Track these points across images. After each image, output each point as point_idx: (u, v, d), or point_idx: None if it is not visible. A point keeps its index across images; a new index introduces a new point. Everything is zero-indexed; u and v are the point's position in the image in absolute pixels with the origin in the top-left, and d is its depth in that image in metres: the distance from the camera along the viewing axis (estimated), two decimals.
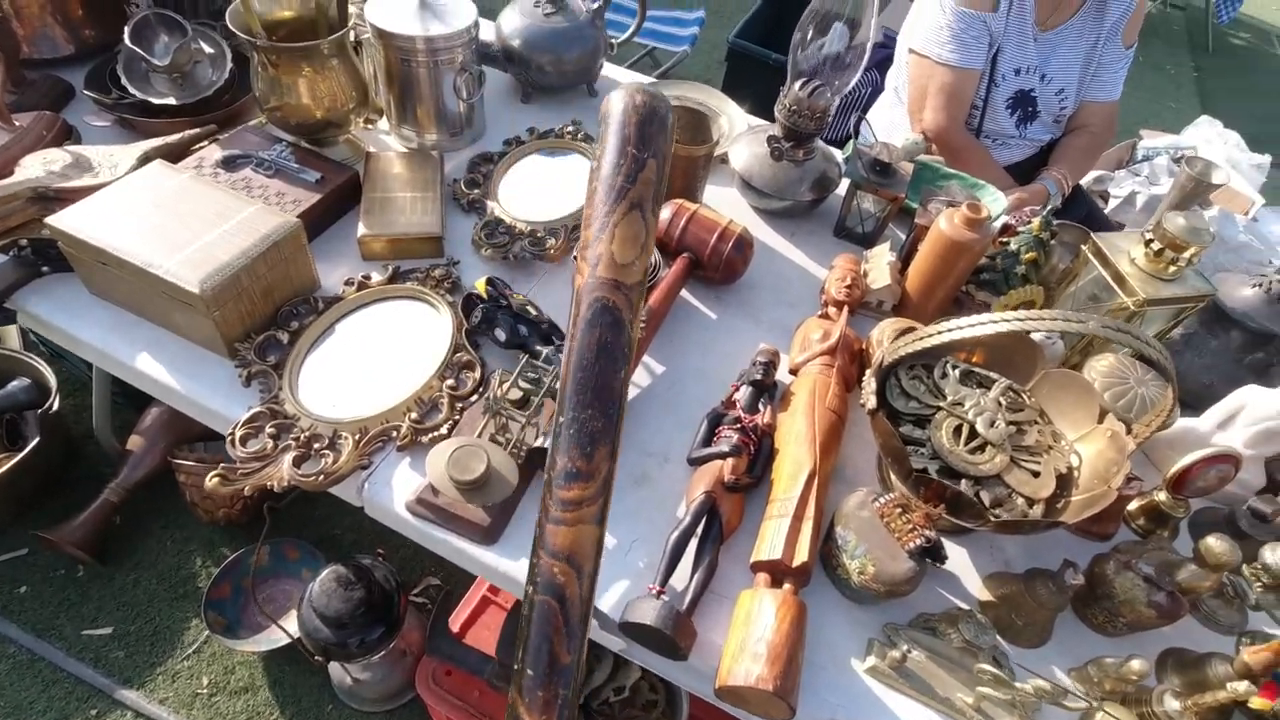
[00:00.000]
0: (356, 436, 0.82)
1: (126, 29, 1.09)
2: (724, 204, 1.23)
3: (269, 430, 0.80)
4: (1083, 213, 1.81)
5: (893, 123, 1.74)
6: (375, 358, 0.91)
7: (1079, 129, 1.68)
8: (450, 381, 0.89)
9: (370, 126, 1.23)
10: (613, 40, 1.38)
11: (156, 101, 1.10)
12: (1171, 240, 0.93)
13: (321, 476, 0.77)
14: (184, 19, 1.13)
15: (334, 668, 1.53)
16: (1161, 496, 0.92)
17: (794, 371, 0.98)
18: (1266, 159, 2.72)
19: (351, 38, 1.17)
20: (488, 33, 1.31)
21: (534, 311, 0.93)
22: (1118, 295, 0.98)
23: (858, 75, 1.13)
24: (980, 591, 0.85)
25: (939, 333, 0.76)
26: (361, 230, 1.01)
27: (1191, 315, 1.05)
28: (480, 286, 0.91)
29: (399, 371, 0.89)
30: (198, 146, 1.05)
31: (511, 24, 1.28)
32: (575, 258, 0.61)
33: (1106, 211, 2.36)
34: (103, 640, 1.56)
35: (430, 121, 1.18)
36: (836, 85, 1.14)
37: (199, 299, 0.80)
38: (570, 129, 1.25)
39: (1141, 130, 3.02)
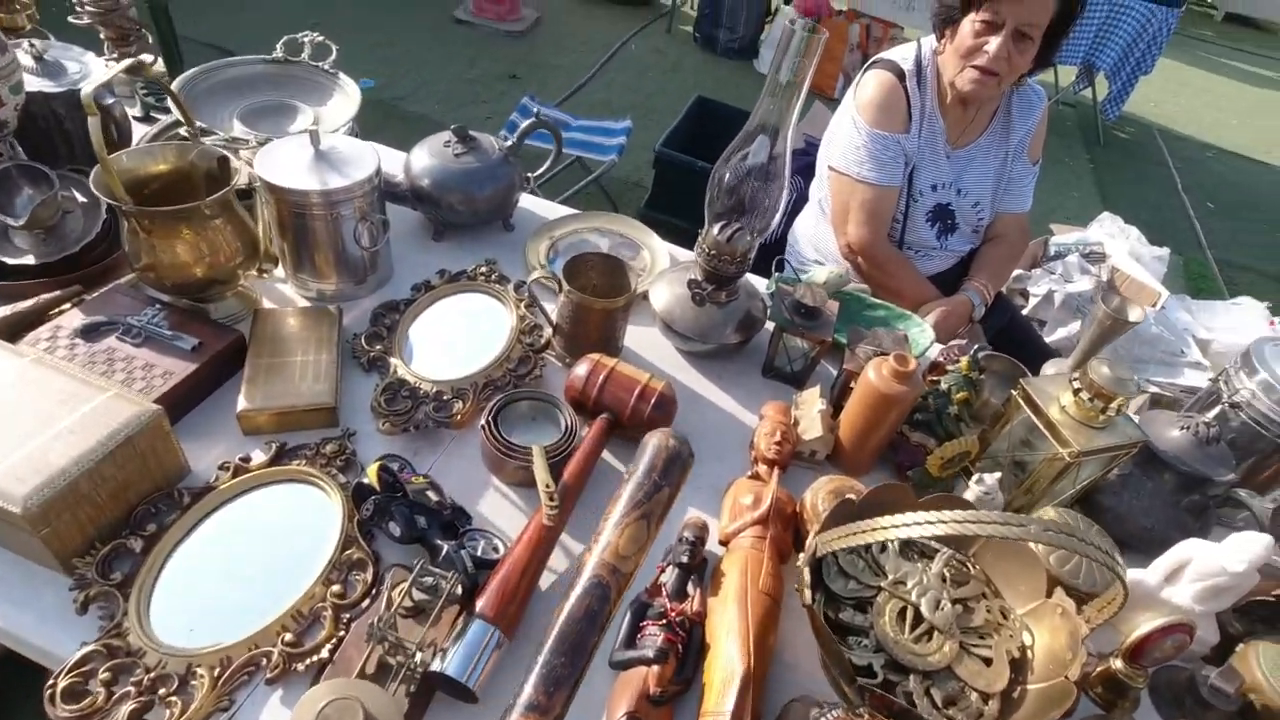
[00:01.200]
0: (215, 671, 0.69)
1: None
2: (647, 346, 1.17)
3: (102, 675, 0.66)
4: (1005, 318, 1.84)
5: (819, 235, 1.75)
6: (249, 561, 0.79)
7: (996, 238, 1.72)
8: (336, 587, 0.77)
9: (265, 275, 1.14)
10: (529, 176, 1.35)
11: (11, 262, 0.99)
12: (1099, 390, 0.91)
13: None
14: (51, 169, 1.03)
15: None
16: (1118, 665, 0.86)
17: (724, 542, 0.90)
18: (1166, 251, 2.88)
19: (243, 182, 1.10)
20: (395, 165, 1.26)
21: (435, 498, 0.83)
22: (1051, 444, 0.95)
23: (779, 210, 1.11)
24: None
25: (869, 530, 0.69)
26: (241, 404, 0.90)
27: (1126, 459, 1.03)
28: (372, 474, 0.81)
29: (275, 578, 0.78)
30: (56, 312, 0.94)
31: (420, 163, 1.23)
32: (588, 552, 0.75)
33: (1026, 310, 2.44)
34: None
35: (330, 269, 1.10)
36: (759, 225, 1.12)
37: (21, 519, 0.67)
38: (484, 269, 1.19)
39: (1052, 225, 3.18)
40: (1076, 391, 0.94)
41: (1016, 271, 2.49)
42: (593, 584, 0.73)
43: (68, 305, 0.96)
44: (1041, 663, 0.79)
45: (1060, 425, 0.94)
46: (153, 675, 0.68)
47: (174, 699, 0.66)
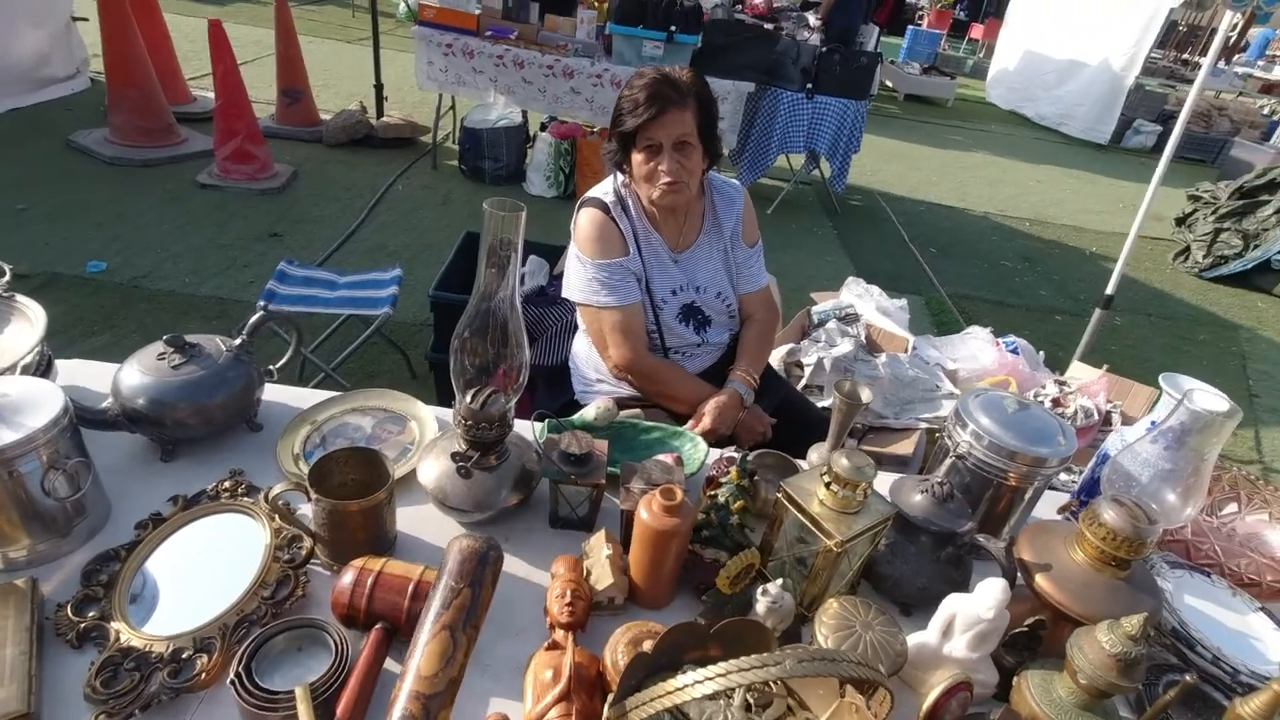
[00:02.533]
0: None
1: None
2: (427, 526, 1.11)
3: None
4: (780, 394, 1.98)
5: (593, 358, 1.80)
6: None
7: (748, 320, 1.87)
8: None
9: None
10: (270, 370, 1.26)
11: None
12: (844, 480, 0.99)
13: None
14: None
15: None
16: None
17: None
18: (904, 300, 3.32)
19: None
20: (93, 380, 1.11)
21: None
22: (819, 538, 1.01)
23: (525, 367, 1.11)
24: None
25: (658, 697, 0.68)
26: None
27: (886, 530, 1.12)
28: None
29: None
30: None
31: (131, 382, 1.10)
32: None
33: (804, 380, 2.66)
34: None
35: (19, 531, 0.93)
36: (519, 384, 1.11)
37: None
38: (228, 484, 1.08)
39: (812, 294, 3.56)
40: (828, 485, 1.01)
41: (789, 345, 2.73)
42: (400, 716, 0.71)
43: None
44: None
45: (822, 519, 1.01)
46: None
47: None
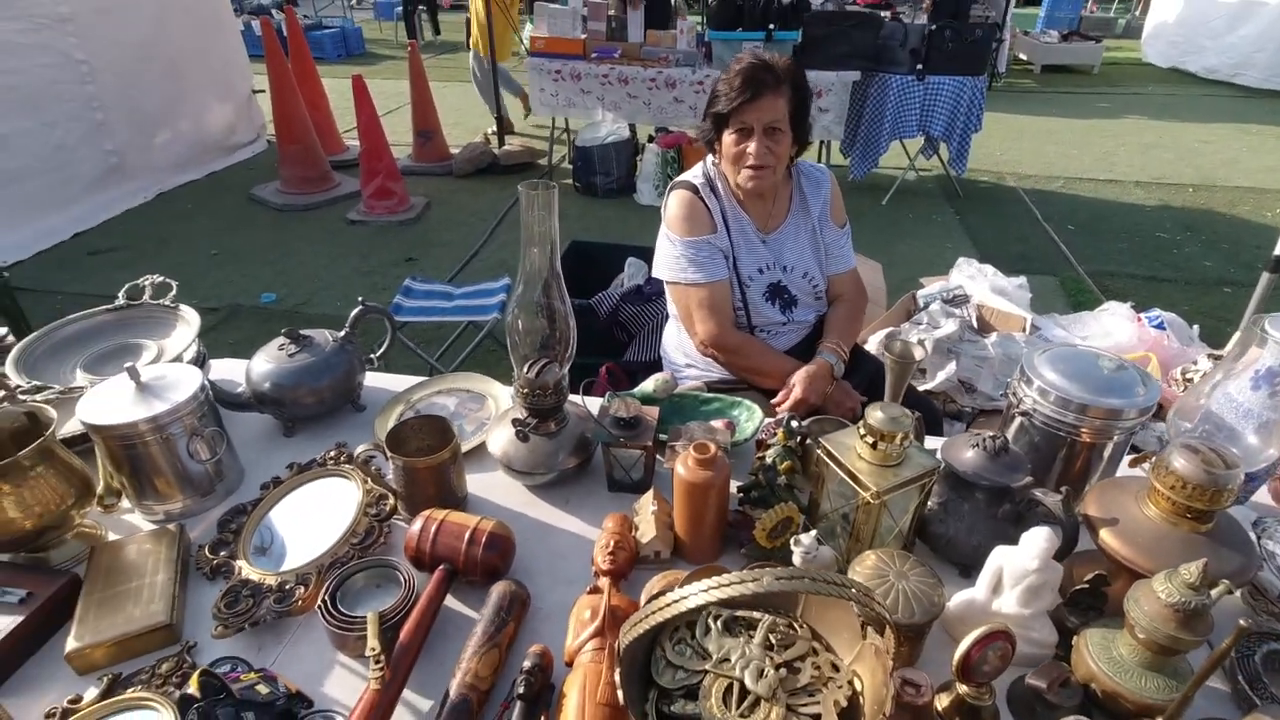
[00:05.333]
0: None
1: None
2: (495, 487, 1.23)
3: None
4: (872, 371, 1.94)
5: (681, 342, 1.87)
6: None
7: (836, 299, 1.86)
8: None
9: (110, 510, 1.18)
10: (370, 357, 1.44)
11: None
12: (880, 432, 0.99)
13: None
14: None
15: None
16: (963, 689, 0.88)
17: (570, 662, 0.92)
18: (1023, 279, 3.10)
19: (75, 429, 1.16)
20: (230, 372, 1.33)
21: (265, 690, 0.84)
22: (857, 491, 1.01)
23: (573, 339, 1.19)
24: None
25: (652, 614, 0.73)
26: (70, 645, 0.91)
27: (940, 484, 1.10)
28: (193, 684, 0.82)
29: None
30: None
31: (259, 370, 1.31)
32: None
33: None
34: None
35: (172, 489, 1.15)
36: (567, 354, 1.21)
37: None
38: (333, 454, 1.25)
39: (921, 279, 3.42)
40: (863, 437, 1.02)
41: (889, 329, 2.65)
42: (458, 700, 0.85)
43: None
44: (871, 704, 0.81)
45: (860, 472, 1.01)
46: None
47: None
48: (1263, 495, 1.24)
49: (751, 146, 1.56)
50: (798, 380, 1.61)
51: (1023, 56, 9.60)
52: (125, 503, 1.18)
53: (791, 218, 1.78)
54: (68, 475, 1.04)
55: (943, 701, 0.90)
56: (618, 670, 0.79)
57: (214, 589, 1.04)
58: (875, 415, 1.00)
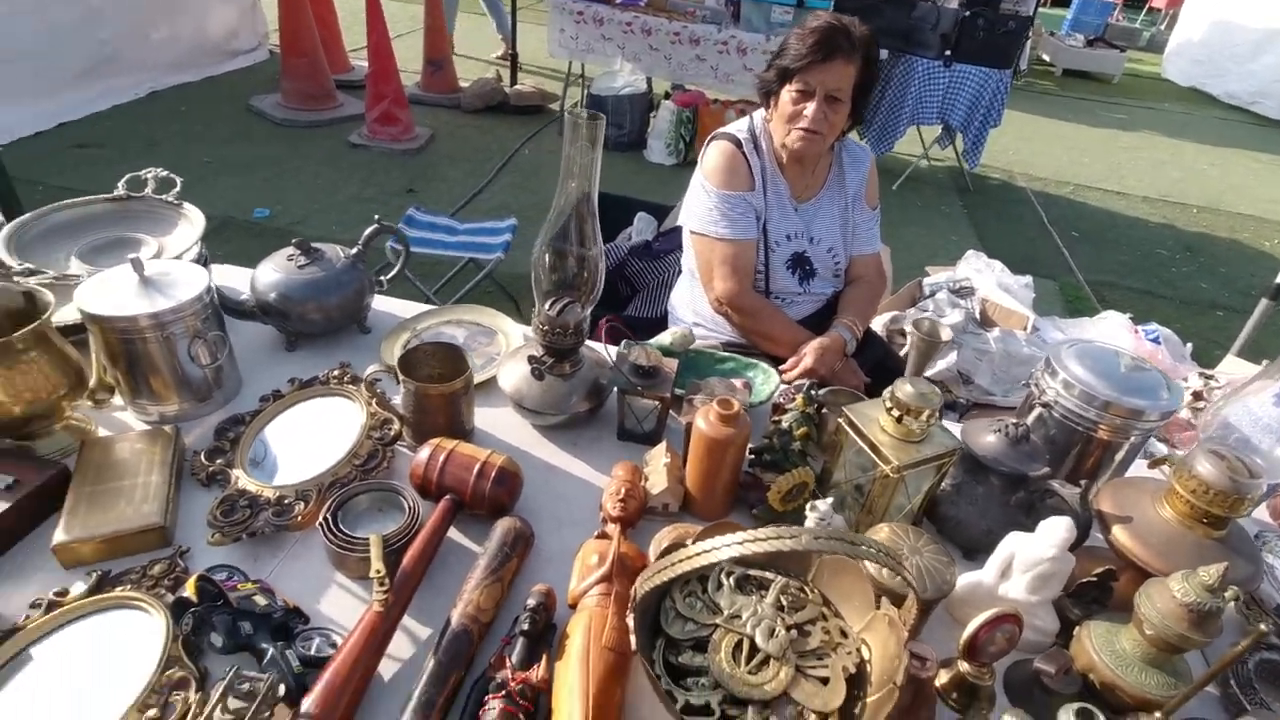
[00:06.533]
0: None
1: None
2: (503, 427, 1.20)
3: None
4: (880, 353, 1.94)
5: (693, 299, 1.84)
6: (61, 697, 0.75)
7: (856, 280, 1.84)
8: (153, 712, 0.74)
9: (102, 405, 1.13)
10: (380, 280, 1.39)
11: None
12: (906, 407, 0.98)
13: None
14: None
15: None
16: (966, 667, 0.88)
17: (574, 605, 0.90)
18: (1029, 278, 3.10)
19: (75, 314, 1.10)
20: (236, 280, 1.28)
21: (263, 601, 0.82)
22: (877, 464, 1.00)
23: (600, 282, 1.16)
24: None
25: (671, 565, 0.72)
26: (58, 537, 0.88)
27: (955, 466, 1.09)
28: (190, 587, 0.79)
29: (89, 711, 0.74)
30: None
31: (266, 279, 1.26)
32: None
33: (904, 350, 2.57)
34: None
35: (169, 391, 1.10)
36: (591, 296, 1.17)
37: None
38: (336, 373, 1.21)
39: (927, 267, 3.40)
40: (889, 410, 1.00)
41: (894, 313, 2.64)
42: (458, 630, 0.83)
43: None
44: (879, 674, 0.81)
45: (881, 445, 1.00)
46: None
47: None
48: (1260, 512, 1.25)
49: (809, 109, 1.51)
50: (810, 350, 1.59)
51: (1045, 57, 9.50)
52: (117, 400, 1.13)
53: (826, 191, 1.75)
54: (61, 363, 0.99)
55: (943, 678, 0.90)
56: (631, 615, 0.77)
57: (208, 497, 1.00)
58: (904, 389, 0.98)
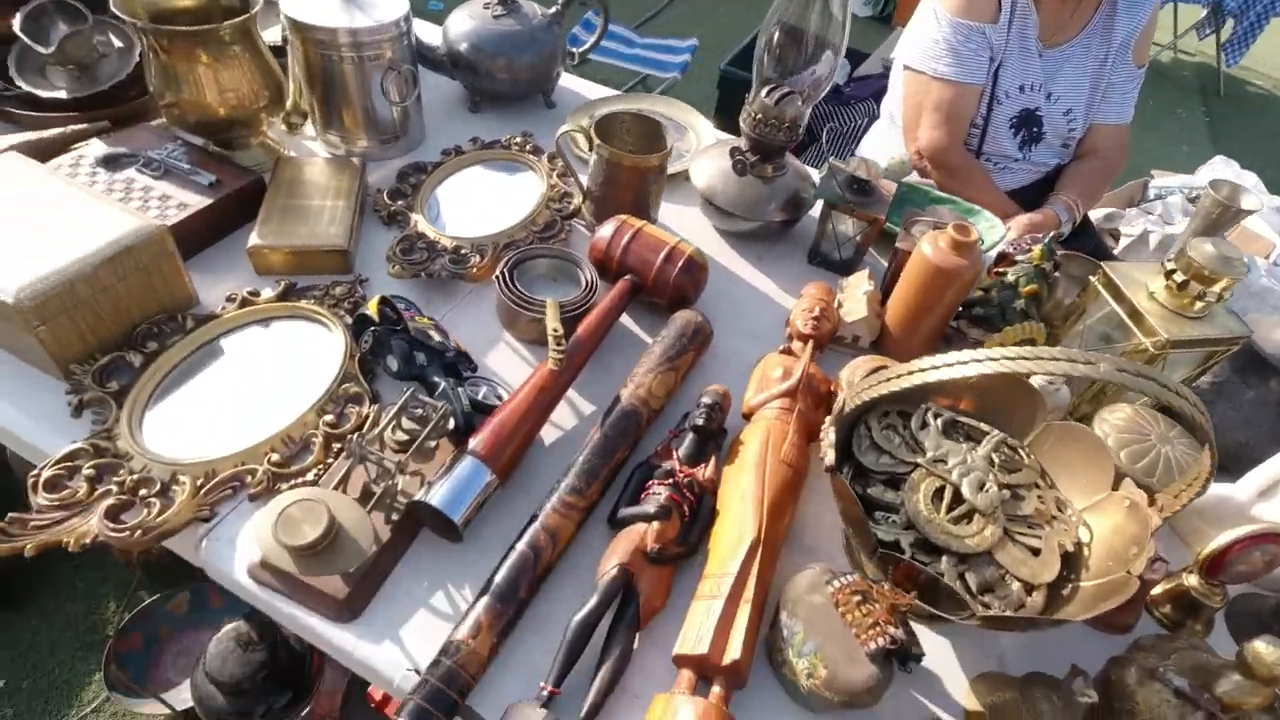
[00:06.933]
0: (199, 481, 0.67)
1: (19, 15, 0.98)
2: (685, 226, 1.09)
3: (87, 471, 0.65)
4: (1090, 247, 1.67)
5: (887, 145, 1.62)
6: (246, 388, 0.77)
7: (1089, 154, 1.55)
8: (329, 417, 0.74)
9: (294, 130, 1.11)
10: (572, 51, 1.27)
11: (44, 94, 0.99)
12: (1198, 271, 0.78)
13: (140, 532, 0.62)
14: (86, 8, 1.02)
15: None
16: (1192, 581, 0.75)
17: (747, 416, 0.83)
18: None
19: (278, 37, 1.06)
20: (434, 37, 1.20)
21: (437, 337, 0.79)
22: (1134, 335, 0.83)
23: (831, 76, 1.00)
24: (966, 697, 0.68)
25: (914, 372, 0.61)
26: (253, 240, 0.87)
27: (1222, 360, 0.90)
28: (372, 307, 0.77)
29: (270, 404, 0.75)
30: (80, 144, 0.93)
31: (459, 27, 1.16)
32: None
33: (1116, 251, 2.22)
34: None
35: (358, 127, 1.06)
36: (809, 94, 1.01)
37: (14, 310, 0.66)
38: (518, 140, 1.13)
39: (1153, 170, 2.90)
40: (1170, 274, 0.81)
41: (1109, 210, 2.27)
42: (628, 409, 0.78)
43: (93, 137, 0.95)
44: (1099, 560, 0.69)
45: (1147, 313, 0.82)
46: (136, 477, 0.66)
47: (154, 500, 0.64)
48: None
49: None
50: (1016, 225, 1.37)
51: None
52: (309, 130, 1.11)
53: (1084, 36, 1.42)
54: (263, 70, 0.95)
55: (1159, 585, 0.78)
56: (832, 429, 0.68)
57: (388, 235, 0.97)
58: (1203, 249, 0.78)
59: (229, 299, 0.83)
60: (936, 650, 0.71)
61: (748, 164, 1.00)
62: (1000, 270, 1.00)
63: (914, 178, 1.50)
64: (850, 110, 2.32)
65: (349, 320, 0.83)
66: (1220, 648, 0.70)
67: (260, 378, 0.78)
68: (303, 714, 1.20)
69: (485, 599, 0.61)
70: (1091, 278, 0.89)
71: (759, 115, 0.98)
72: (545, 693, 0.58)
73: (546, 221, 1.00)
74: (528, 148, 1.12)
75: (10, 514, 0.60)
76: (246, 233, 0.91)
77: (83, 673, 1.44)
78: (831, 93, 2.46)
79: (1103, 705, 0.66)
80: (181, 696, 1.35)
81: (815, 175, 1.13)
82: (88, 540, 0.60)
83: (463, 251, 0.93)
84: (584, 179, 1.04)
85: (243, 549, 0.65)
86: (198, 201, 0.89)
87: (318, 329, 0.83)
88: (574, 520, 0.69)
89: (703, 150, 1.11)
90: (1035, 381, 0.83)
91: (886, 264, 1.05)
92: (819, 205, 1.09)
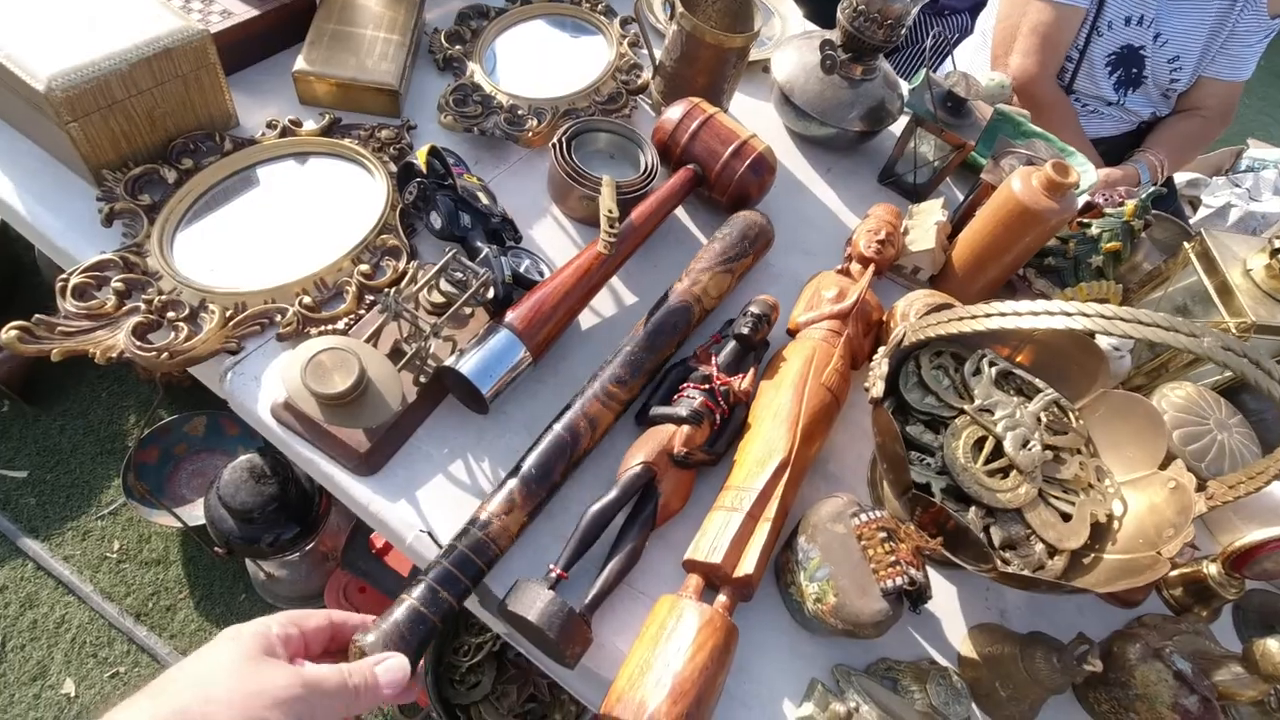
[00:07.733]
0: (228, 312, 0.65)
1: None
2: (754, 121, 1.01)
3: (116, 284, 0.63)
4: (1170, 208, 1.57)
5: (972, 67, 1.49)
6: (280, 222, 0.73)
7: (1190, 110, 1.43)
8: (365, 267, 0.71)
9: None
10: None
11: None
12: None
13: (167, 354, 0.60)
14: None
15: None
16: (1212, 570, 0.74)
17: (792, 332, 0.79)
18: None
19: None
20: None
21: (485, 200, 0.74)
22: (1217, 313, 0.77)
23: None
24: (963, 644, 0.68)
25: (986, 315, 0.56)
26: (299, 64, 0.81)
27: None
28: (421, 157, 0.72)
29: (304, 244, 0.72)
30: None
31: None
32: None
33: (1193, 221, 2.10)
34: (15, 484, 1.45)
35: None
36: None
37: (45, 100, 0.62)
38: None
39: (1249, 139, 2.69)
40: (1276, 252, 0.75)
41: (1193, 175, 2.13)
42: (679, 305, 0.75)
43: None
44: (1128, 535, 0.67)
45: (1239, 291, 0.76)
46: (165, 298, 0.64)
47: (182, 324, 0.63)
48: None
49: None
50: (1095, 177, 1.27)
51: None
52: None
53: None
54: None
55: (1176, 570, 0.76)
56: (886, 360, 0.65)
57: (441, 83, 0.90)
58: None
59: (269, 125, 0.78)
60: (940, 594, 0.71)
61: (837, 61, 0.91)
62: (1084, 221, 0.93)
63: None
64: (944, 22, 2.13)
65: (393, 168, 0.79)
66: (1220, 637, 0.70)
67: (296, 215, 0.74)
68: (307, 548, 1.25)
69: (518, 478, 0.60)
70: (1186, 244, 0.82)
71: (860, 6, 0.88)
72: (554, 574, 0.58)
73: (611, 93, 0.93)
74: (600, 6, 1.03)
75: (37, 315, 0.58)
76: (292, 55, 0.84)
77: (102, 477, 1.50)
78: (930, 3, 2.25)
79: (1096, 675, 0.66)
80: (194, 514, 1.40)
81: (905, 88, 1.04)
82: (114, 355, 0.59)
83: (520, 112, 0.87)
84: (657, 52, 0.95)
85: (268, 387, 0.64)
86: (244, 11, 0.82)
87: (359, 172, 0.79)
88: (613, 411, 0.67)
89: (788, 39, 1.01)
90: (1103, 345, 0.79)
91: (963, 196, 0.98)
92: (902, 121, 1.01)
